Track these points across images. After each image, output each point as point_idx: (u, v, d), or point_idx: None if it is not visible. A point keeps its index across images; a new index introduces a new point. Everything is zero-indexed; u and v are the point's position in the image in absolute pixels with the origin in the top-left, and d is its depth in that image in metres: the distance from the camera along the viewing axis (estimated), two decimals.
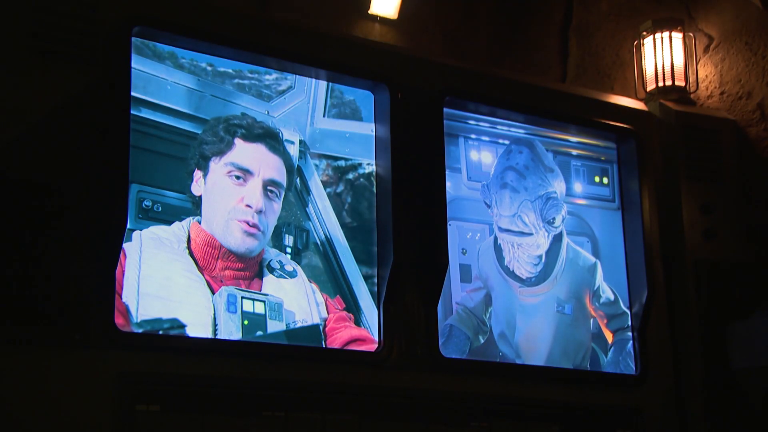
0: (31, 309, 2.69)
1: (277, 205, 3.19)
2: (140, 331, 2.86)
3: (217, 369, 2.94)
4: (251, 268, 3.12)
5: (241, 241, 3.10)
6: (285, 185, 3.22)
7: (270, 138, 3.21)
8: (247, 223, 3.10)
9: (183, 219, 3.04)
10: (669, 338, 3.82)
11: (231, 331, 3.00)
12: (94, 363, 2.75)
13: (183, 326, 2.93)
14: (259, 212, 3.13)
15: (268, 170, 3.18)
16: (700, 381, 3.76)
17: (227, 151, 3.12)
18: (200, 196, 3.07)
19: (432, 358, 3.29)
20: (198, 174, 3.08)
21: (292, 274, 3.18)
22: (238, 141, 3.14)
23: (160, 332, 2.89)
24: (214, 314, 2.99)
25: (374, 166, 3.39)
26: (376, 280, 3.30)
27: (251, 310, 3.06)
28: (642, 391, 3.69)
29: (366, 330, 3.24)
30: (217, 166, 3.10)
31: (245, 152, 3.15)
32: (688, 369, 3.79)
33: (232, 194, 3.11)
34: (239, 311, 3.04)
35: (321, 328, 3.17)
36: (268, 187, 3.17)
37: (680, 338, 3.83)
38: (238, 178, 3.12)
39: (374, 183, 3.38)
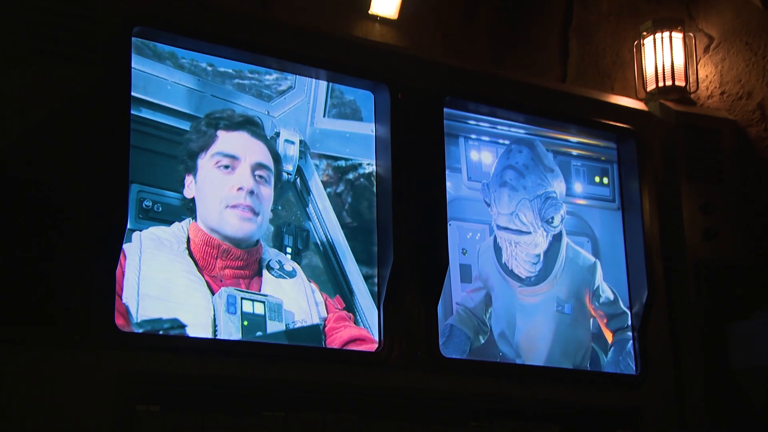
0: (31, 309, 2.69)
1: (268, 190, 3.19)
2: (140, 331, 2.86)
3: (217, 369, 2.94)
4: (250, 267, 3.12)
5: (239, 226, 3.10)
6: (273, 170, 3.21)
7: (251, 125, 3.21)
8: (241, 208, 3.10)
9: (183, 219, 3.04)
10: (669, 338, 3.82)
11: (231, 332, 3.00)
12: (94, 363, 2.75)
13: (183, 326, 2.93)
14: (251, 193, 3.13)
15: (254, 154, 3.18)
16: (700, 381, 3.76)
17: (212, 143, 3.12)
18: (193, 198, 3.07)
19: (432, 358, 3.29)
20: (189, 178, 3.07)
21: (292, 274, 3.18)
22: (220, 132, 3.14)
23: (161, 332, 2.89)
24: (214, 315, 2.99)
25: (374, 166, 3.39)
26: (376, 280, 3.30)
27: (251, 311, 3.06)
28: (642, 391, 3.69)
29: (366, 330, 3.24)
30: (204, 161, 3.10)
31: (229, 141, 3.15)
32: (688, 369, 3.79)
33: (222, 183, 3.11)
34: (239, 312, 3.04)
35: (321, 327, 3.17)
36: (257, 171, 3.16)
37: (680, 338, 3.83)
38: (226, 167, 3.12)
39: (374, 183, 3.38)
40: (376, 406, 3.18)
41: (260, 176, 3.17)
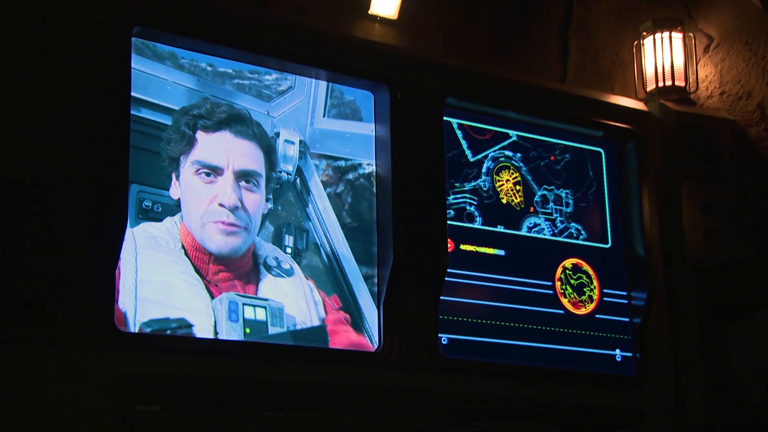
0: (30, 309, 2.69)
1: (258, 195, 3.13)
2: (147, 330, 2.86)
3: (218, 369, 2.94)
4: (245, 266, 3.10)
5: (223, 242, 3.04)
6: (263, 171, 3.15)
7: (235, 122, 3.13)
8: (223, 223, 3.04)
9: (176, 214, 3.01)
10: (669, 338, 3.82)
11: (233, 339, 2.99)
12: (94, 363, 2.75)
13: (189, 326, 2.92)
14: (235, 209, 3.06)
15: (238, 160, 3.09)
16: (700, 381, 3.76)
17: (191, 149, 3.04)
18: (179, 200, 3.03)
19: (432, 358, 3.29)
20: (173, 177, 3.02)
21: (289, 272, 3.17)
22: (199, 135, 3.06)
23: (168, 332, 2.89)
24: (215, 321, 2.97)
25: (374, 166, 3.39)
26: (376, 280, 3.30)
27: (253, 318, 3.03)
28: (642, 391, 3.69)
29: (364, 336, 3.23)
30: (185, 166, 3.04)
31: (209, 146, 3.07)
32: (688, 369, 3.79)
33: (203, 195, 3.04)
34: (241, 319, 3.01)
35: (325, 328, 3.17)
36: (242, 180, 3.10)
37: (680, 338, 3.82)
38: (207, 175, 3.05)
39: (374, 183, 3.38)
40: (375, 406, 3.17)
41: (247, 181, 3.11)
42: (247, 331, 3.02)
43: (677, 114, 4.05)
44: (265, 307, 3.08)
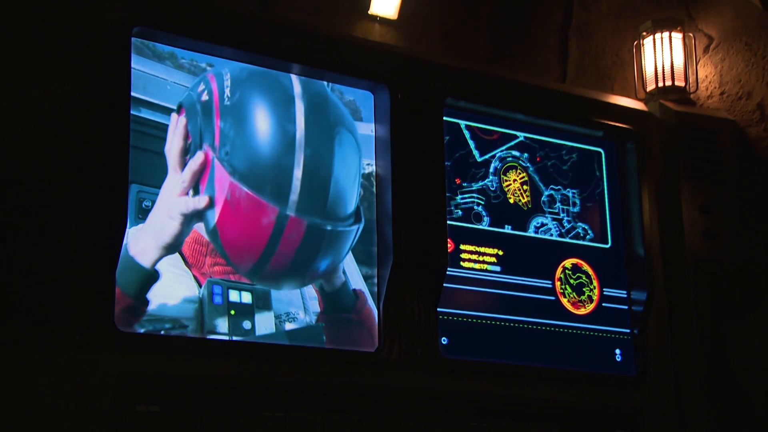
0: (30, 309, 2.69)
1: None
2: (141, 330, 2.86)
3: (217, 369, 2.94)
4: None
5: None
6: None
7: None
8: None
9: None
10: (669, 338, 3.82)
11: (217, 321, 2.99)
12: (94, 363, 2.75)
13: (185, 326, 2.93)
14: None
15: None
16: (700, 381, 3.76)
17: None
18: None
19: (432, 358, 3.29)
20: None
21: None
22: None
23: (162, 332, 2.89)
24: (202, 306, 2.98)
25: (374, 166, 3.39)
26: (376, 280, 3.30)
27: (238, 300, 3.05)
28: (642, 391, 3.69)
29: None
30: None
31: None
32: (688, 369, 3.79)
33: None
34: (225, 302, 3.02)
35: (321, 327, 3.17)
36: None
37: (680, 338, 3.83)
38: None
39: (374, 183, 3.38)
40: (375, 406, 3.18)
41: None
42: (232, 312, 3.02)
43: (677, 114, 4.05)
44: (251, 291, 3.08)
